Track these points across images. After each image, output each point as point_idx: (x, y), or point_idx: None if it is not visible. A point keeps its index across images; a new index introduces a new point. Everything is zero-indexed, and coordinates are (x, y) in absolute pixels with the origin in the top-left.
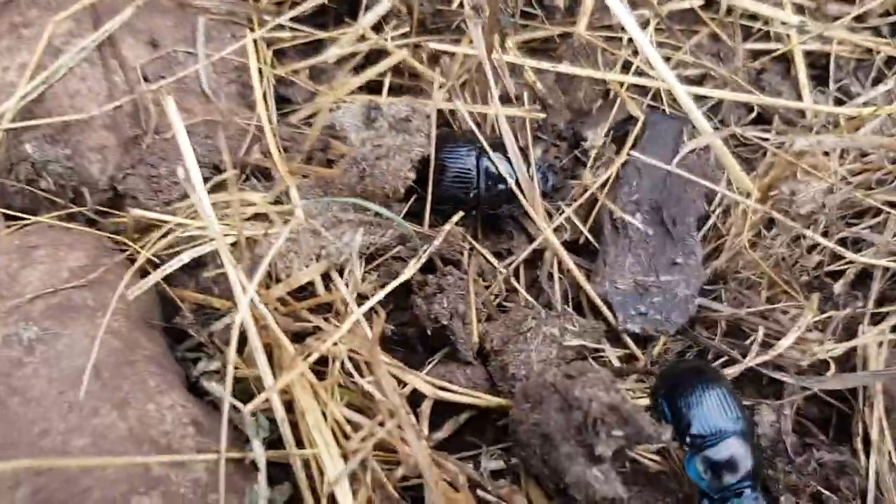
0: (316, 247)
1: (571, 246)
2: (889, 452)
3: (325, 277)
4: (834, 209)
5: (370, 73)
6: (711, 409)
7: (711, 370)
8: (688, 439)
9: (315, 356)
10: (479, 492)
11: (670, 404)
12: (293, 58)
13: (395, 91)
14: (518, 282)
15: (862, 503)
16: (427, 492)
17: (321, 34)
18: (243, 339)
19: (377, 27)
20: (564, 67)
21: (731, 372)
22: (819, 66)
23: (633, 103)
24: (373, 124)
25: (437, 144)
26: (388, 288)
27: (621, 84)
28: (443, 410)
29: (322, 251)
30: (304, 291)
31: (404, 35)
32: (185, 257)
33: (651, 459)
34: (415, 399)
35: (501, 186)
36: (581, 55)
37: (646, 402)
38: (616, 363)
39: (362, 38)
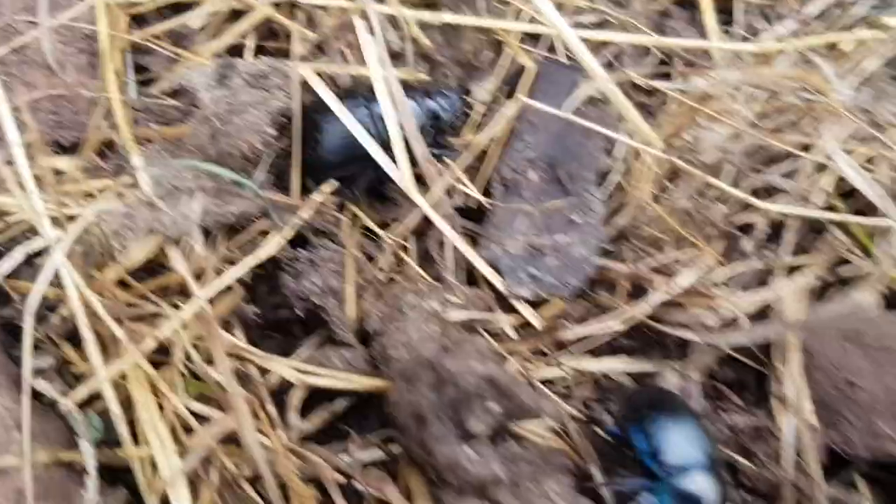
0: (154, 220)
1: (466, 211)
2: (808, 411)
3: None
4: (741, 155)
5: (234, 33)
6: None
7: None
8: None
9: (153, 344)
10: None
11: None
12: (154, 23)
13: (269, 54)
14: (407, 253)
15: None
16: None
17: None
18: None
19: None
20: (449, 17)
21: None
22: (727, 11)
23: (525, 54)
24: (225, 82)
25: (317, 114)
26: (241, 268)
27: (508, 32)
28: (322, 398)
29: (158, 224)
30: (157, 272)
31: None
32: (19, 254)
33: (543, 437)
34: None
35: None
36: (465, 3)
37: (543, 372)
38: (511, 333)
39: None
